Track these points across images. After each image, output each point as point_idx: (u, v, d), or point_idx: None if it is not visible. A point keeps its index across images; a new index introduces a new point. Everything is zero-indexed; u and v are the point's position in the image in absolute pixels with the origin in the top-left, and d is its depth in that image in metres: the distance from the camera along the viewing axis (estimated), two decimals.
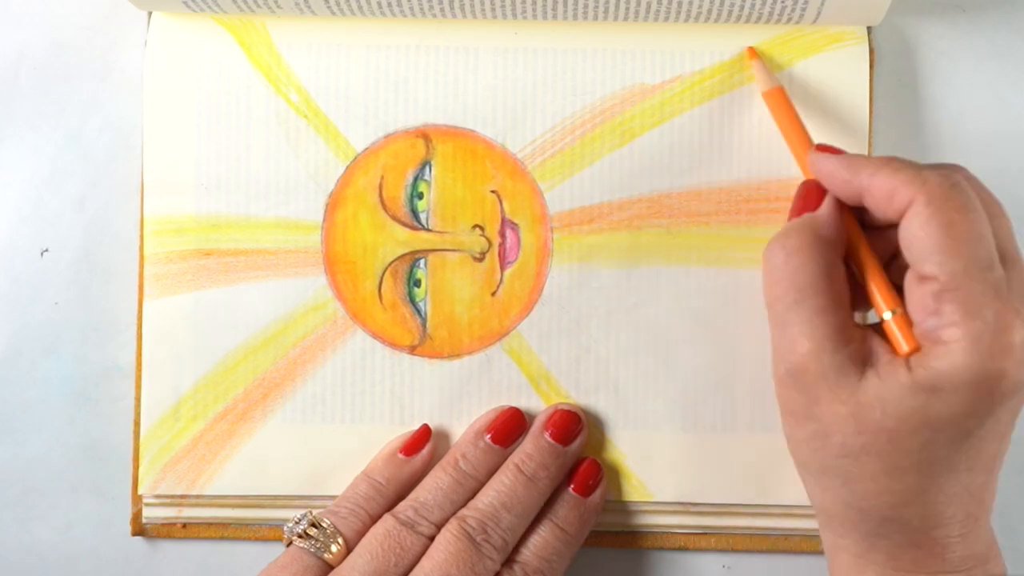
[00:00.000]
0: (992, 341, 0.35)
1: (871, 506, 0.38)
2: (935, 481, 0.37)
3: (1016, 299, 0.36)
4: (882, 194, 0.38)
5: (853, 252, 0.40)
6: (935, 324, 0.36)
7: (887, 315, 0.38)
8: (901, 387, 0.36)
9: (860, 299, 0.40)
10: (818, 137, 0.46)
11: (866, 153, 0.47)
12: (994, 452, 0.38)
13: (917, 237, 0.37)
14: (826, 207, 0.40)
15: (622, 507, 0.47)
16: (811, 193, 0.41)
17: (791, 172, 0.47)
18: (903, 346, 0.38)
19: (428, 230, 0.47)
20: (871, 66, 0.47)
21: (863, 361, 0.38)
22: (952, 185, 0.37)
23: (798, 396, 0.38)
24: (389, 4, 0.45)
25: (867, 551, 0.39)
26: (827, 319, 0.38)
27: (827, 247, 0.39)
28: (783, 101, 0.45)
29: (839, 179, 0.40)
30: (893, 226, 0.39)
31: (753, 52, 0.46)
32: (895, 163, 0.38)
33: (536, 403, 0.47)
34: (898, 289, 0.39)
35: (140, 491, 0.47)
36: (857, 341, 0.38)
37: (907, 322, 0.38)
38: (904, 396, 0.36)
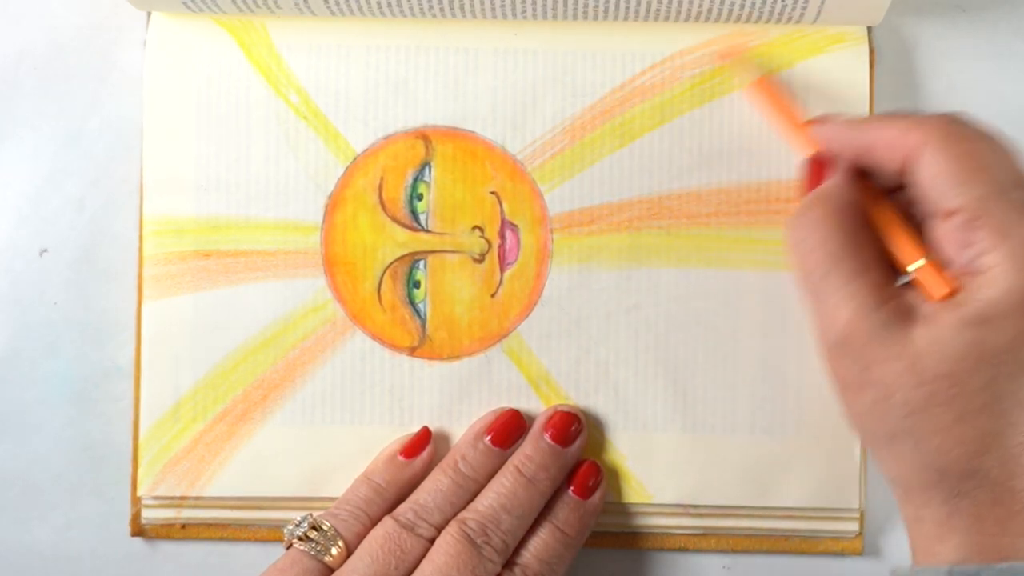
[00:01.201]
0: None
1: (948, 462, 0.36)
2: (1008, 421, 0.36)
3: None
4: (888, 145, 0.38)
5: (871, 214, 0.40)
6: (970, 255, 0.36)
7: (917, 264, 0.38)
8: (952, 327, 0.36)
9: (893, 270, 0.39)
10: None
11: None
12: None
13: (933, 175, 0.37)
14: (837, 175, 0.40)
15: (622, 508, 0.47)
16: (816, 168, 0.41)
17: (791, 173, 0.47)
18: (938, 291, 0.37)
19: (428, 231, 0.47)
20: (871, 66, 0.47)
21: (907, 315, 0.37)
22: (956, 120, 0.38)
23: (851, 365, 0.38)
24: (389, 4, 0.45)
25: (950, 517, 0.37)
26: (862, 281, 0.37)
27: (847, 213, 0.39)
28: (770, 88, 0.45)
29: (843, 141, 0.40)
30: (902, 187, 0.39)
31: (729, 52, 0.46)
32: (896, 115, 0.39)
33: (536, 404, 0.47)
34: None
35: (139, 492, 0.47)
36: (896, 298, 0.38)
37: (938, 267, 0.38)
38: (957, 335, 0.36)
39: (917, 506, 0.38)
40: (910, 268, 0.38)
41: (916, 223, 0.39)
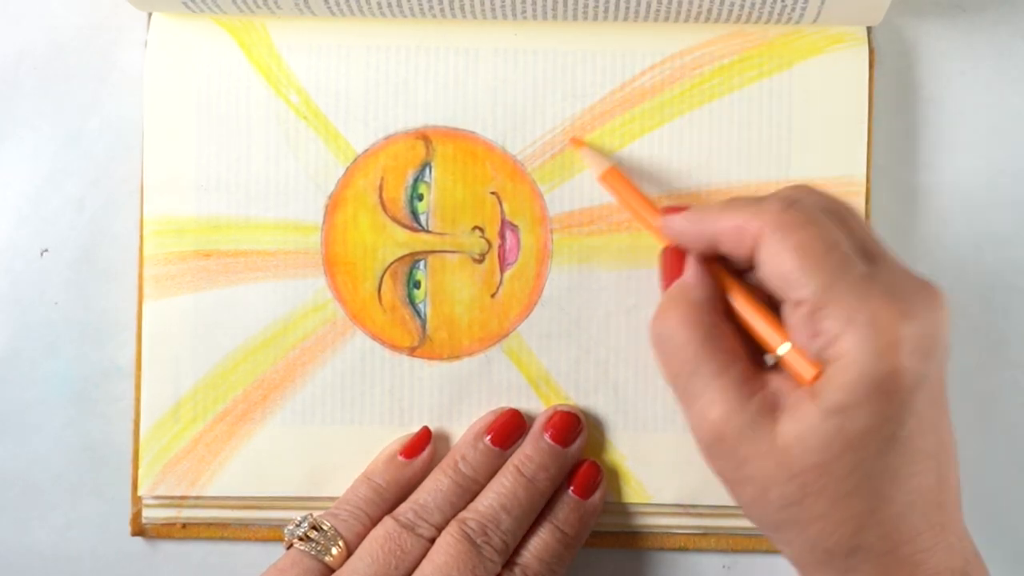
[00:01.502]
0: (877, 341, 0.35)
1: (833, 543, 0.37)
2: (880, 496, 0.36)
3: (890, 293, 0.36)
4: (731, 236, 0.38)
5: (731, 302, 0.40)
6: (820, 344, 0.36)
7: (782, 350, 0.38)
8: (812, 419, 0.36)
9: (758, 353, 0.40)
10: (817, 138, 0.46)
11: (865, 155, 0.46)
12: (932, 448, 0.37)
13: (774, 267, 0.37)
14: (690, 269, 0.40)
15: (622, 508, 0.47)
16: (673, 259, 0.41)
17: (790, 174, 0.47)
18: (806, 373, 0.37)
19: (428, 231, 0.47)
20: (871, 66, 0.47)
21: (773, 407, 0.37)
22: (789, 206, 0.38)
23: (726, 463, 0.38)
24: (389, 4, 0.45)
25: None
26: (726, 380, 0.38)
27: (704, 310, 0.39)
28: (620, 178, 0.45)
29: (690, 234, 0.40)
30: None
31: (577, 141, 0.46)
32: (736, 202, 0.39)
33: (536, 405, 0.47)
34: None
35: (140, 492, 0.47)
36: (762, 389, 0.38)
37: (803, 351, 0.38)
38: (817, 427, 0.36)
39: None
40: (777, 353, 0.38)
41: (775, 303, 0.39)
